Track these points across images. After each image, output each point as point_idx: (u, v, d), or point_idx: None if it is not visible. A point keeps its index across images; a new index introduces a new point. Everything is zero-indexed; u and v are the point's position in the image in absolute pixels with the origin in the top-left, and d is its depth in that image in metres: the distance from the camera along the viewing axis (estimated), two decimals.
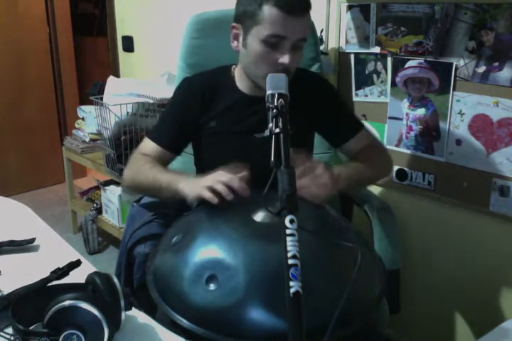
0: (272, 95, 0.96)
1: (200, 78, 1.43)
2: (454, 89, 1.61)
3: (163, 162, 1.38)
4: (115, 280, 0.88)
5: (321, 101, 1.42)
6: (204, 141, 1.41)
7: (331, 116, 1.44)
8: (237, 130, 1.37)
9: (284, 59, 1.22)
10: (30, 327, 0.86)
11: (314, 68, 1.74)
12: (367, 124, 1.87)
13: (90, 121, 2.63)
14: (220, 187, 1.09)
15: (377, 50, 1.77)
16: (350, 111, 1.53)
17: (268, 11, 1.20)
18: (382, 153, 1.48)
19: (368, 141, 1.46)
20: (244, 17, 1.24)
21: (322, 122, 1.44)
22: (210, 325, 0.94)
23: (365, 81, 1.84)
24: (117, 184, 2.57)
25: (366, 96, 1.85)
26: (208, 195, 1.10)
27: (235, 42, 1.31)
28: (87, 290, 0.87)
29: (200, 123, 1.39)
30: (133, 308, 0.92)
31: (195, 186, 1.15)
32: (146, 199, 1.49)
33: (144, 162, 1.35)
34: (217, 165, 1.26)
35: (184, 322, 0.96)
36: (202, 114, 1.39)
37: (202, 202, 1.15)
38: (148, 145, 1.40)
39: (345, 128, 1.46)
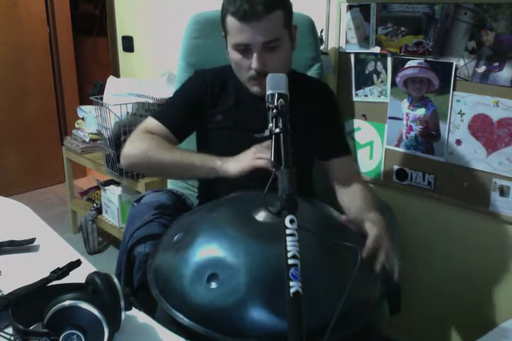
0: (272, 95, 0.96)
1: (212, 72, 1.45)
2: (454, 89, 1.61)
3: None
4: (115, 280, 0.88)
5: (320, 111, 1.43)
6: (210, 134, 1.43)
7: (324, 129, 1.44)
8: (243, 126, 1.38)
9: (254, 64, 1.26)
10: (30, 327, 0.86)
11: (314, 68, 1.74)
12: (367, 124, 1.88)
13: (90, 121, 2.63)
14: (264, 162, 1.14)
15: (377, 50, 1.77)
16: (344, 133, 1.54)
17: (229, 20, 1.25)
18: (367, 184, 1.50)
19: (353, 169, 1.49)
20: (222, 27, 1.31)
21: (315, 131, 1.43)
22: (210, 323, 0.94)
23: (365, 81, 1.84)
24: (117, 184, 2.57)
25: (366, 96, 1.85)
26: (261, 162, 1.15)
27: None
28: (87, 290, 0.87)
29: (207, 115, 1.41)
30: (133, 308, 0.92)
31: (238, 162, 1.20)
32: (146, 199, 1.49)
33: (160, 140, 1.33)
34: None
35: (185, 320, 0.96)
36: (211, 106, 1.40)
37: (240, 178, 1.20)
38: (154, 125, 1.38)
39: (333, 146, 1.46)
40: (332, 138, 1.47)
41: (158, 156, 1.29)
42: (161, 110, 1.47)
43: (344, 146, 1.49)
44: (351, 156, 1.49)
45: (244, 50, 1.26)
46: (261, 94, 1.33)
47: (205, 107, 1.41)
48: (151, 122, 1.40)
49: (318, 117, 1.42)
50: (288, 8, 1.29)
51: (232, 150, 1.31)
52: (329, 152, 1.45)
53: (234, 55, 1.29)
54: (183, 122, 1.41)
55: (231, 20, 1.24)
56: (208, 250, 1.03)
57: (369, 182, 1.93)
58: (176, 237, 1.11)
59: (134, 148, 1.33)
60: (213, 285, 0.96)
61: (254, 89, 1.34)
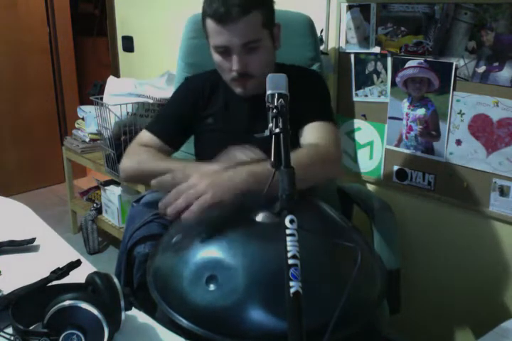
0: (272, 95, 0.95)
1: (200, 77, 1.47)
2: (454, 89, 1.61)
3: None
4: (115, 280, 0.88)
5: (308, 93, 1.36)
6: (202, 138, 1.45)
7: (308, 103, 1.33)
8: (233, 128, 1.39)
9: (234, 66, 1.26)
10: (30, 327, 0.86)
11: (314, 68, 1.74)
12: (366, 124, 1.87)
13: (90, 121, 2.63)
14: (179, 203, 1.01)
15: (377, 50, 1.77)
16: (327, 104, 1.42)
17: (208, 23, 1.26)
18: (328, 152, 1.24)
19: (323, 134, 1.29)
20: (203, 30, 1.31)
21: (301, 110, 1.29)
22: (209, 325, 0.94)
23: (365, 81, 1.84)
24: (117, 184, 2.57)
25: (366, 96, 1.85)
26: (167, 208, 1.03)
27: None
28: (87, 290, 0.87)
29: (198, 119, 1.42)
30: (133, 308, 0.92)
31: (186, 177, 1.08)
32: (146, 199, 1.49)
33: (153, 152, 1.33)
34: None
35: (184, 322, 0.96)
36: (200, 110, 1.41)
37: None
38: (147, 138, 1.39)
39: (309, 113, 1.32)
40: (310, 108, 1.33)
41: (150, 167, 1.28)
42: (154, 121, 1.49)
43: (320, 113, 1.35)
44: (328, 123, 1.33)
45: (224, 51, 1.27)
46: (244, 95, 1.35)
47: (198, 111, 1.42)
48: (145, 135, 1.41)
49: (304, 99, 1.28)
50: (267, 8, 1.29)
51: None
52: (304, 119, 1.32)
53: (215, 57, 1.31)
54: (176, 131, 1.42)
55: (209, 23, 1.25)
56: (206, 251, 1.03)
57: (369, 182, 1.93)
58: (174, 238, 1.11)
59: (128, 161, 1.34)
60: (212, 286, 0.96)
61: (237, 90, 1.35)
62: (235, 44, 1.24)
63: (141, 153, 1.34)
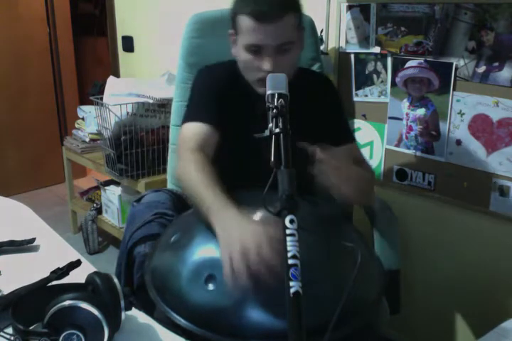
0: (272, 95, 0.95)
1: (221, 69, 1.41)
2: (454, 89, 1.61)
3: (211, 145, 1.28)
4: (115, 280, 0.88)
5: (320, 102, 1.40)
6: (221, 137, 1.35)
7: (325, 118, 1.40)
8: (251, 127, 1.35)
9: (266, 66, 1.22)
10: (30, 327, 0.86)
11: (314, 68, 1.74)
12: (366, 124, 1.88)
13: (90, 121, 2.63)
14: (253, 260, 0.92)
15: (377, 50, 1.77)
16: (346, 121, 1.49)
17: (242, 20, 1.22)
18: (371, 172, 1.42)
19: (356, 157, 1.39)
20: (232, 25, 1.27)
21: (317, 122, 1.39)
22: (208, 324, 0.94)
23: (365, 81, 1.84)
24: (117, 184, 2.57)
25: (366, 96, 1.85)
26: (237, 265, 0.92)
27: (233, 48, 1.31)
28: (87, 290, 0.87)
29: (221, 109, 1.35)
30: (133, 308, 0.92)
31: (228, 239, 0.96)
32: (146, 199, 1.49)
33: (189, 160, 1.22)
34: (226, 162, 1.27)
35: (182, 321, 0.96)
36: (222, 104, 1.35)
37: None
38: (190, 131, 1.29)
39: (335, 135, 1.40)
40: (332, 128, 1.40)
41: (185, 183, 1.19)
42: (190, 112, 1.38)
43: (345, 134, 1.43)
44: (355, 143, 1.43)
45: (256, 51, 1.23)
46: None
47: (221, 100, 1.35)
48: (186, 129, 1.31)
49: (317, 108, 1.38)
50: (300, 10, 1.28)
51: (241, 150, 1.31)
52: (330, 142, 1.36)
53: (244, 56, 1.26)
54: (217, 113, 1.33)
55: (246, 21, 1.21)
56: (205, 250, 1.03)
57: None
58: (173, 237, 1.11)
59: (179, 168, 1.23)
60: (211, 286, 0.96)
61: (262, 89, 1.30)
62: (270, 44, 1.21)
63: (185, 160, 1.22)
